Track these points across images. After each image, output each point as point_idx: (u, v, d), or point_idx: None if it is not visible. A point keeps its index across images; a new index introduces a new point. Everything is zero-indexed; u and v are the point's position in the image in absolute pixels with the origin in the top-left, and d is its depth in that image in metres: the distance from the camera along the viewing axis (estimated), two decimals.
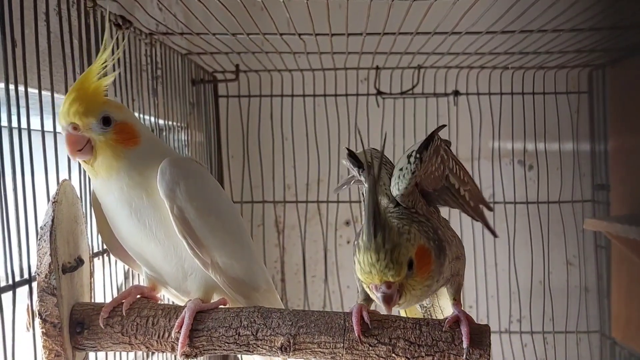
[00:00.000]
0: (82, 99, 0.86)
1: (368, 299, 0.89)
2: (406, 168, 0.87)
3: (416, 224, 0.84)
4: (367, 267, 0.78)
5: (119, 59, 1.28)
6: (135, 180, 0.89)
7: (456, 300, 0.91)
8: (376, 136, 2.04)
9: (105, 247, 1.08)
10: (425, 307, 1.07)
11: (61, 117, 0.88)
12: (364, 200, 0.89)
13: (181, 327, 0.88)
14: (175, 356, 0.96)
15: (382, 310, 0.85)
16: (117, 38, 1.20)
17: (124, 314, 0.90)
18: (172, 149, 1.03)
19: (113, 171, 0.89)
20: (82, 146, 0.88)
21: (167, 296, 1.05)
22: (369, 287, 0.81)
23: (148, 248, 0.93)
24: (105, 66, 0.89)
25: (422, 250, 0.81)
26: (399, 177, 0.88)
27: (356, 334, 0.85)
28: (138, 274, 1.10)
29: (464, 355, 0.85)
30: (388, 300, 0.79)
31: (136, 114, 1.37)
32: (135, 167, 0.89)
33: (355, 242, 0.83)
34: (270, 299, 1.05)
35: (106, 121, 0.88)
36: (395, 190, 0.88)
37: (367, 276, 0.79)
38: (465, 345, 0.85)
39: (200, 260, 0.92)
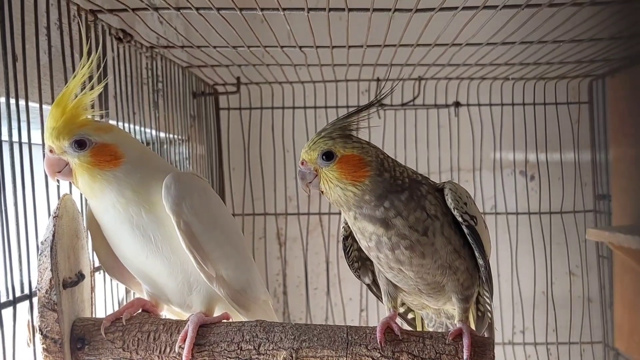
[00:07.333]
0: (57, 121, 0.86)
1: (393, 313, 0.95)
2: None
3: (385, 159, 0.93)
4: None
5: (120, 73, 1.28)
6: (129, 198, 0.89)
7: (462, 321, 0.92)
8: None
9: None
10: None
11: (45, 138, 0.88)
12: None
13: (185, 340, 0.88)
14: None
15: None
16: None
17: (124, 322, 0.90)
18: (171, 166, 1.03)
19: (97, 191, 0.89)
20: (60, 168, 0.88)
21: (167, 315, 1.05)
22: None
23: (153, 264, 0.92)
24: (87, 79, 0.88)
25: (354, 158, 0.90)
26: None
27: (378, 341, 0.87)
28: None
29: None
30: (301, 176, 0.91)
31: (137, 127, 1.37)
32: (126, 185, 0.89)
33: None
34: (267, 311, 1.06)
35: (80, 144, 0.87)
36: None
37: None
38: (465, 356, 0.86)
39: (205, 274, 0.92)
